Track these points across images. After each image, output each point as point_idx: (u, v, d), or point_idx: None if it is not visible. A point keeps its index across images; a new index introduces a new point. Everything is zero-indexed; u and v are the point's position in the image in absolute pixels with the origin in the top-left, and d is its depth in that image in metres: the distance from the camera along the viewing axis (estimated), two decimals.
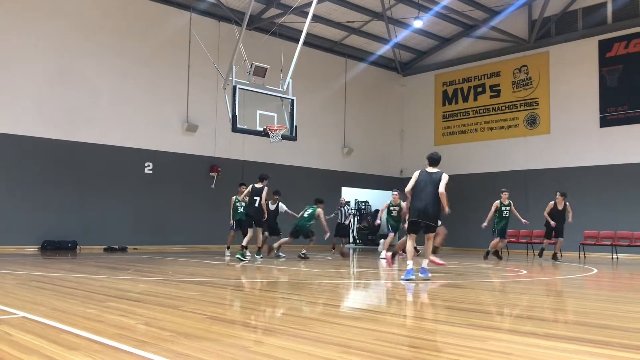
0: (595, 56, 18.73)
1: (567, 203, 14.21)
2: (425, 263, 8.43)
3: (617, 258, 16.55)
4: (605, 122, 18.40)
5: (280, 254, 13.45)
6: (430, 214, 8.19)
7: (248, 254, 12.44)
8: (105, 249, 15.45)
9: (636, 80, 17.81)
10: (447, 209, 8.32)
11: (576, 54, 19.18)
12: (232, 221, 13.67)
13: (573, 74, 19.26)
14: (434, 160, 8.48)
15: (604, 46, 18.55)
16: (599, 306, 6.30)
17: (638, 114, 17.72)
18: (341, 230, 17.34)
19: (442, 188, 8.10)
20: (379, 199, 24.33)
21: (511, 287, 8.07)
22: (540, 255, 14.82)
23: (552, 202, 14.27)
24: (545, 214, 14.37)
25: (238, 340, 3.83)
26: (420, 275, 8.28)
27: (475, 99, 21.72)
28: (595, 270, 11.31)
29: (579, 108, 19.02)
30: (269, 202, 13.48)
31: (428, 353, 3.48)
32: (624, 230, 17.06)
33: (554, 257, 14.39)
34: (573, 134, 19.04)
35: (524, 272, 10.52)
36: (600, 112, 18.52)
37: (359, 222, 25.00)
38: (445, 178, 8.20)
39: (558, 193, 14.28)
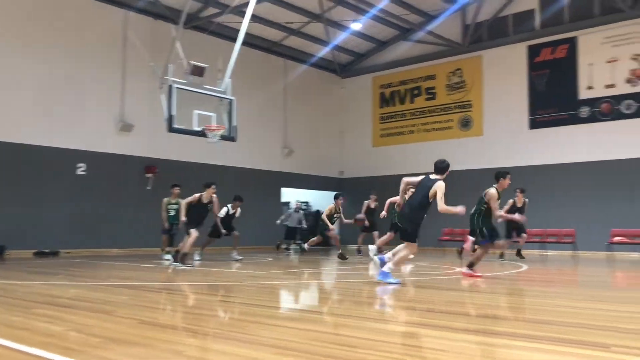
0: (525, 61, 19.45)
1: (526, 200, 13.74)
2: (387, 267, 7.62)
3: (547, 254, 17.23)
4: (534, 124, 19.14)
5: (237, 256, 13.22)
6: (406, 217, 7.74)
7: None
8: (35, 254, 14.80)
9: (562, 84, 18.61)
10: (457, 209, 7.38)
11: (507, 58, 19.86)
12: (166, 224, 13.28)
13: (504, 77, 19.92)
14: (436, 167, 7.79)
15: (533, 51, 19.29)
16: (529, 301, 6.52)
17: (564, 116, 18.52)
18: (290, 233, 18.14)
19: (441, 207, 7.34)
20: (319, 200, 24.38)
21: (446, 285, 8.24)
22: (518, 254, 14.04)
23: (512, 200, 13.65)
24: (504, 213, 13.76)
25: (172, 345, 3.74)
26: (378, 278, 7.64)
27: (411, 101, 22.15)
28: (526, 267, 11.72)
29: (510, 110, 19.69)
30: (229, 206, 13.55)
31: (363, 352, 3.50)
32: (552, 228, 17.77)
33: (519, 254, 13.85)
34: (505, 136, 19.69)
35: (457, 269, 10.77)
36: (530, 114, 19.24)
37: (299, 222, 24.99)
38: (439, 189, 7.41)
39: (518, 190, 13.60)
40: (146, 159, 17.41)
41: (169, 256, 12.78)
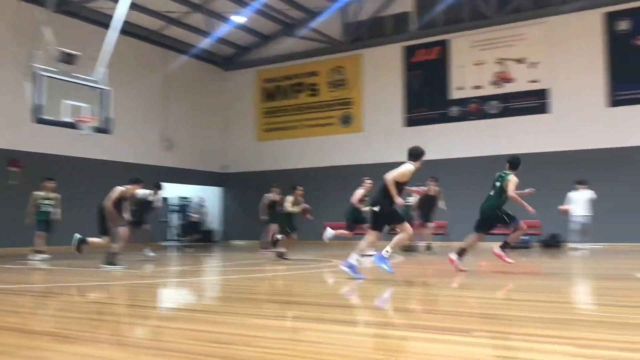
0: (401, 61, 20.34)
1: (439, 188, 13.83)
2: (353, 258, 7.49)
3: (425, 245, 18.14)
4: (409, 122, 20.09)
5: (150, 253, 12.48)
6: (377, 202, 7.56)
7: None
8: None
9: (435, 84, 19.70)
10: (397, 199, 7.35)
11: (385, 57, 20.64)
12: (27, 220, 12.35)
13: (383, 76, 20.71)
14: (409, 154, 7.81)
15: (409, 52, 20.23)
16: (399, 291, 6.87)
17: (437, 115, 19.61)
18: (193, 228, 17.79)
19: (389, 176, 7.37)
20: (201, 195, 23.96)
21: (323, 277, 8.45)
22: (428, 248, 13.86)
23: (424, 188, 13.55)
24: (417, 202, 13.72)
25: (36, 351, 3.53)
26: (343, 267, 7.47)
27: (295, 97, 22.39)
28: (402, 258, 12.28)
29: (388, 108, 20.51)
30: (150, 192, 12.91)
31: (240, 348, 3.53)
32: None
33: (429, 248, 13.77)
34: (383, 133, 20.48)
35: (336, 261, 11.07)
36: (406, 112, 20.17)
37: (183, 218, 24.41)
38: (403, 167, 7.48)
39: (431, 179, 13.66)
40: (9, 151, 16.16)
41: (41, 256, 11.95)
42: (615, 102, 17.13)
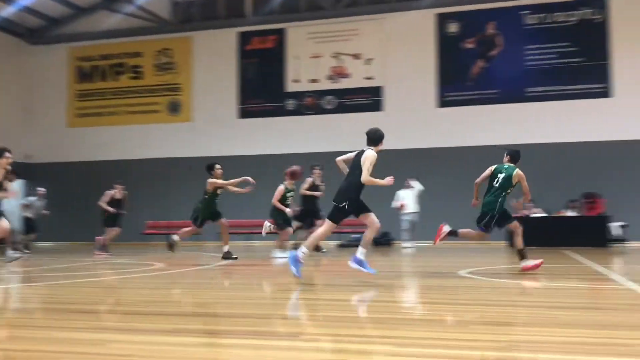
0: (235, 47, 20.39)
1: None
2: (359, 252, 7.60)
3: (250, 245, 18.40)
4: (243, 114, 20.23)
5: (15, 254, 11.16)
6: (342, 195, 7.39)
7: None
8: None
9: (271, 75, 20.05)
10: (385, 181, 7.26)
11: (218, 42, 20.55)
12: None
13: (215, 62, 20.58)
14: (368, 138, 7.59)
15: (244, 39, 20.36)
16: (225, 295, 6.94)
17: (272, 107, 19.98)
18: (31, 227, 15.83)
19: (364, 177, 7.20)
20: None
21: (137, 283, 8.22)
22: (318, 249, 13.14)
23: (311, 179, 13.10)
24: (303, 192, 13.19)
25: None
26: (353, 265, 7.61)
27: (115, 79, 21.43)
28: (238, 258, 12.33)
29: (220, 97, 20.45)
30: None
31: None
32: (242, 219, 18.44)
33: (318, 249, 13.03)
34: (215, 124, 20.38)
35: (159, 264, 10.83)
36: (240, 103, 20.27)
37: (40, 212, 22.17)
38: (367, 159, 7.27)
39: (316, 168, 13.15)
40: None
41: None
42: (444, 102, 18.80)
